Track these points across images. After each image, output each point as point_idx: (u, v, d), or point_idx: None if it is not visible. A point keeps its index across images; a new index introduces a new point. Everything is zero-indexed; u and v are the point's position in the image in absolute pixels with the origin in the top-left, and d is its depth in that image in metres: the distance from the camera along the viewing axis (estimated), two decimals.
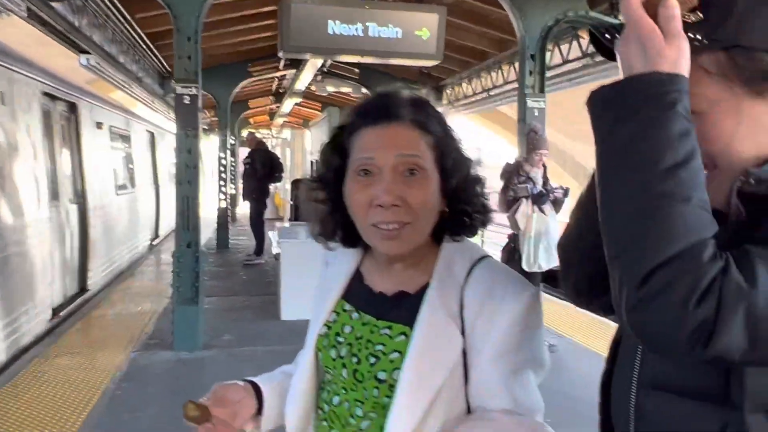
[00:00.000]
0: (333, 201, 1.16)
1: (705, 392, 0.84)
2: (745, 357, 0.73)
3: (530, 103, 6.28)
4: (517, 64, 7.07)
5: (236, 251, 11.62)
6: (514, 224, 5.75)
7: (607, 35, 0.89)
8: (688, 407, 0.86)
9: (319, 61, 10.17)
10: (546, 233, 5.61)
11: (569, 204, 5.49)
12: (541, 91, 6.33)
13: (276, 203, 17.43)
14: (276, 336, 5.94)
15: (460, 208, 1.14)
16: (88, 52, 7.20)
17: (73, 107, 7.94)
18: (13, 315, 5.73)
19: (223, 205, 12.50)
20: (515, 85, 7.18)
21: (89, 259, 8.12)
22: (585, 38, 7.28)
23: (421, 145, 1.10)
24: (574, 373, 5.16)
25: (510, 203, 5.73)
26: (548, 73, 6.53)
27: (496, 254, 6.55)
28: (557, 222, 5.71)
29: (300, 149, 22.42)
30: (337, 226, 1.18)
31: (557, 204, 5.76)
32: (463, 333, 1.08)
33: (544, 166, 5.87)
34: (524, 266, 5.69)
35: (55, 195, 7.05)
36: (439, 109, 1.18)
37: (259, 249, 10.55)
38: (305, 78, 11.82)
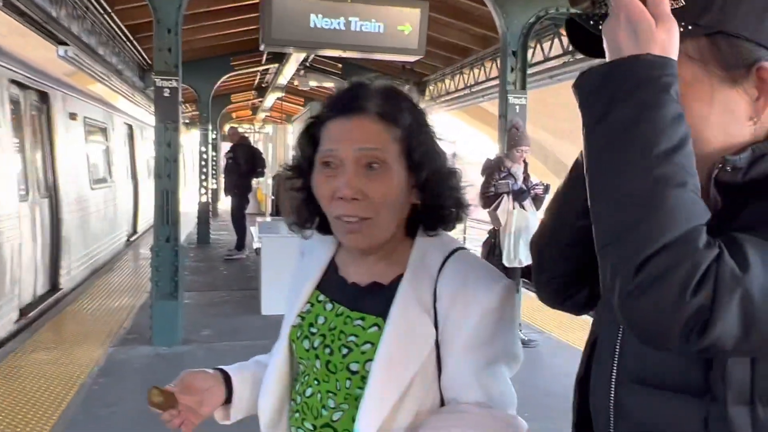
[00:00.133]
0: (307, 189, 1.16)
1: (685, 386, 0.84)
2: (738, 345, 0.73)
3: (512, 99, 6.30)
4: (499, 61, 7.09)
5: (217, 246, 11.55)
6: (494, 220, 5.78)
7: (591, 21, 0.88)
8: (669, 401, 0.85)
9: (301, 56, 10.13)
10: (526, 229, 5.64)
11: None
12: (523, 87, 6.36)
13: (258, 198, 17.33)
14: (256, 330, 5.91)
15: (431, 202, 1.13)
16: (66, 44, 7.09)
17: (44, 97, 7.57)
18: None
19: (204, 199, 12.42)
20: (497, 81, 7.20)
21: (61, 257, 7.78)
22: (566, 35, 7.31)
23: (383, 138, 1.08)
24: (553, 368, 5.21)
25: (491, 199, 5.75)
26: (530, 70, 6.56)
27: (477, 250, 6.58)
28: (537, 218, 5.74)
29: (282, 144, 22.32)
30: (312, 214, 1.18)
31: (538, 200, 5.79)
32: (436, 325, 1.07)
33: (525, 163, 5.90)
34: (504, 262, 5.73)
35: (23, 189, 6.75)
36: (419, 102, 1.18)
37: (240, 244, 10.50)
38: (288, 72, 11.77)
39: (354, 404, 1.08)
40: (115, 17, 8.31)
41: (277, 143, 22.90)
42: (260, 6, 6.25)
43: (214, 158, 14.07)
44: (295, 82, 12.96)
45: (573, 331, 6.07)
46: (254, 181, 11.79)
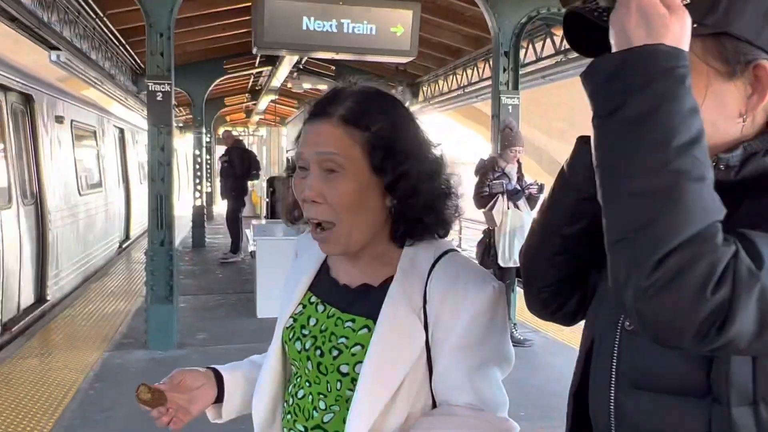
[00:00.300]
0: None
1: (687, 388, 0.83)
2: (751, 344, 0.72)
3: (504, 99, 6.32)
4: (491, 61, 7.11)
5: (212, 249, 11.54)
6: (490, 220, 5.79)
7: (595, 13, 0.86)
8: (670, 404, 0.84)
9: (294, 58, 10.12)
10: (521, 229, 5.65)
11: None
12: (515, 87, 6.37)
13: (253, 201, 17.33)
14: (251, 333, 5.91)
15: (401, 209, 1.11)
16: (58, 48, 7.08)
17: (27, 99, 7.15)
18: None
19: (199, 203, 12.41)
20: (490, 82, 7.21)
21: (48, 267, 7.35)
22: (558, 35, 7.34)
23: (343, 142, 1.07)
24: (548, 367, 5.22)
25: (485, 199, 5.77)
26: (522, 70, 6.58)
27: (472, 250, 6.59)
28: (532, 218, 5.75)
29: (276, 147, 22.32)
30: (301, 214, 1.19)
31: (532, 200, 5.80)
32: (426, 327, 1.07)
33: (519, 163, 5.92)
34: (500, 262, 5.74)
35: (5, 196, 6.37)
36: (410, 104, 1.18)
37: (235, 247, 10.51)
38: (281, 75, 11.77)
39: (345, 406, 1.08)
40: (107, 21, 8.31)
41: (271, 146, 22.89)
42: (252, 9, 6.26)
43: (209, 162, 14.06)
44: (289, 85, 12.96)
45: (568, 330, 6.08)
46: (249, 184, 11.79)
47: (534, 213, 5.76)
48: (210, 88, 12.72)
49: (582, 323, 1.08)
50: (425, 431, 1.03)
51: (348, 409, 1.06)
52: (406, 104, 1.24)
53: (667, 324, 0.72)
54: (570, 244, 1.03)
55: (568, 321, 1.11)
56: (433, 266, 1.10)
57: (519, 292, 6.49)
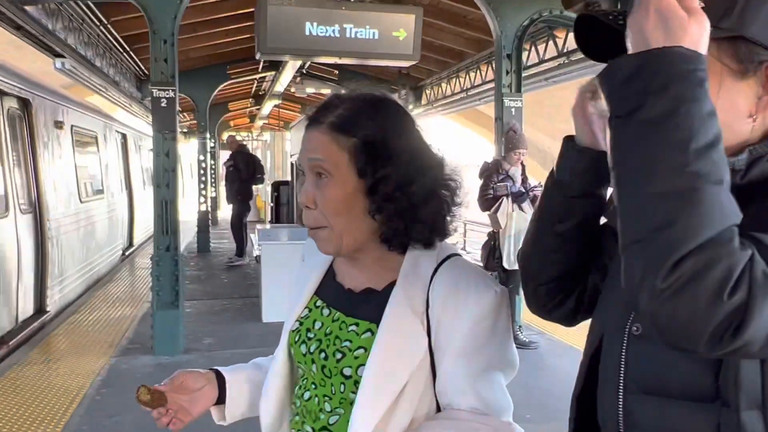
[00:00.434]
0: None
1: (695, 392, 0.83)
2: (764, 348, 0.72)
3: (507, 102, 6.32)
4: (494, 64, 7.11)
5: (217, 254, 11.57)
6: (495, 222, 5.80)
7: (610, 17, 0.87)
8: (679, 409, 0.84)
9: (297, 63, 10.16)
10: (525, 231, 5.65)
11: None
12: (518, 90, 6.37)
13: (257, 206, 17.37)
14: (257, 338, 5.92)
15: (385, 214, 1.11)
16: (62, 56, 7.12)
17: (25, 104, 6.89)
18: None
19: (204, 208, 12.44)
20: (493, 84, 7.22)
21: (47, 277, 7.08)
22: (561, 37, 7.34)
23: (330, 148, 1.10)
24: (554, 369, 5.21)
25: (490, 202, 5.77)
26: (525, 73, 6.58)
27: (477, 253, 6.58)
28: None
29: (280, 151, 22.37)
30: None
31: (536, 202, 5.80)
32: (428, 331, 1.08)
33: (523, 165, 5.92)
34: (504, 264, 5.74)
35: (1, 204, 6.15)
36: (412, 108, 1.19)
37: (240, 250, 10.55)
38: (284, 80, 11.81)
39: (349, 408, 1.09)
40: (111, 28, 8.36)
41: (275, 150, 22.93)
42: (255, 15, 6.29)
43: (213, 167, 14.10)
44: (292, 89, 13.00)
45: (573, 332, 6.06)
46: (254, 188, 11.83)
47: None
48: (214, 94, 12.77)
49: (587, 325, 1.09)
50: None
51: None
52: (409, 108, 1.25)
53: (681, 327, 0.72)
54: (562, 242, 1.05)
55: (567, 321, 1.12)
56: (435, 271, 1.11)
57: (524, 296, 6.48)
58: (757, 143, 0.86)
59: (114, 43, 9.10)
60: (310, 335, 1.19)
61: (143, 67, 10.95)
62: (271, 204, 14.13)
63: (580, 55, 6.37)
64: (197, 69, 11.43)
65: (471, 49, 9.61)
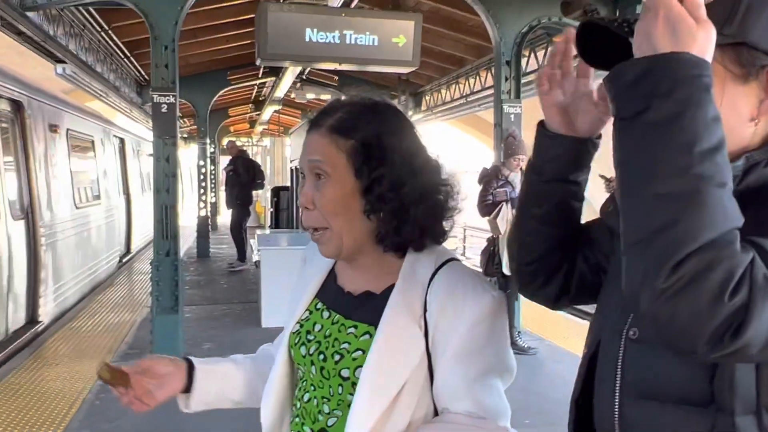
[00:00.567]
0: None
1: (690, 397, 0.84)
2: (762, 351, 0.72)
3: (506, 108, 6.35)
4: (493, 70, 7.14)
5: (217, 260, 11.57)
6: (494, 228, 5.81)
7: (616, 23, 0.88)
8: (675, 413, 0.85)
9: (297, 69, 10.19)
10: None
11: None
12: (517, 96, 6.40)
13: (257, 211, 17.38)
14: (256, 343, 5.78)
15: (381, 217, 1.13)
16: (63, 62, 7.15)
17: (17, 106, 6.65)
18: None
19: (204, 213, 12.45)
20: (493, 90, 7.25)
21: (40, 285, 6.85)
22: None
23: (329, 150, 1.13)
24: (553, 374, 5.22)
25: (489, 207, 5.79)
26: (524, 79, 6.61)
27: (477, 258, 6.59)
28: None
29: (280, 157, 22.40)
30: None
31: None
32: (426, 335, 1.09)
33: (522, 171, 5.94)
34: (504, 270, 5.74)
35: None
36: (412, 113, 1.21)
37: (242, 255, 10.55)
38: (284, 86, 11.84)
39: (347, 410, 1.10)
40: (112, 34, 8.39)
41: (275, 156, 22.96)
42: (256, 21, 6.31)
43: (213, 172, 14.11)
44: (292, 95, 13.04)
45: (572, 337, 6.09)
46: (254, 194, 11.84)
47: None
48: (214, 99, 12.80)
49: (586, 330, 1.10)
50: None
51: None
52: (409, 114, 1.28)
53: (682, 328, 0.72)
54: (539, 225, 1.09)
55: (550, 303, 1.16)
56: (433, 275, 1.12)
57: (523, 301, 6.50)
58: (755, 149, 0.87)
59: (115, 48, 9.13)
60: (310, 337, 1.20)
61: (144, 73, 10.98)
62: (271, 209, 14.14)
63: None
64: (198, 74, 11.46)
65: (470, 55, 9.64)
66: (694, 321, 0.71)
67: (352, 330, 1.15)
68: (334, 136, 1.13)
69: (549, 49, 7.61)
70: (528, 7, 6.26)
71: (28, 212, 6.75)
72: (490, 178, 5.84)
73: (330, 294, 1.24)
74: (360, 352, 1.11)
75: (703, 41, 0.77)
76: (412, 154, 1.15)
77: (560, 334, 6.36)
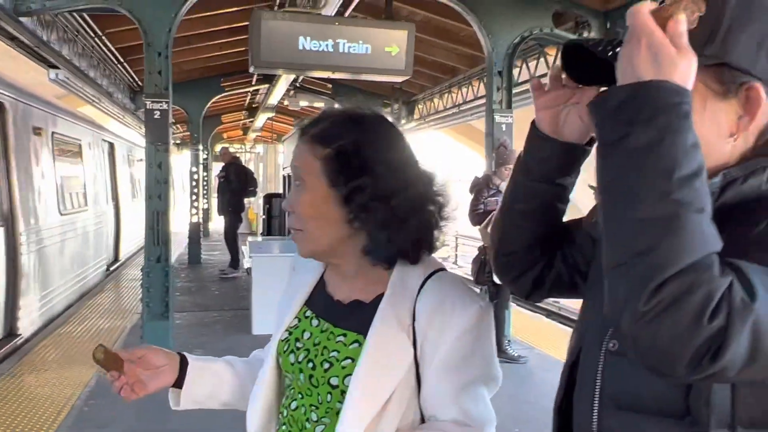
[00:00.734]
0: None
1: (666, 410, 0.85)
2: (740, 373, 0.73)
3: (498, 118, 6.39)
4: (485, 80, 7.19)
5: (208, 266, 11.54)
6: (485, 237, 5.82)
7: (599, 47, 0.90)
8: (651, 425, 0.86)
9: (291, 77, 10.21)
10: None
11: None
12: (509, 106, 6.45)
13: (249, 218, 17.36)
14: (247, 350, 5.77)
15: (365, 227, 1.15)
16: (57, 67, 7.15)
17: (0, 108, 6.41)
18: None
19: (196, 219, 12.43)
20: (485, 100, 7.30)
21: (20, 296, 6.49)
22: (551, 55, 7.44)
23: (307, 157, 1.16)
24: (542, 383, 5.23)
25: (481, 216, 5.81)
26: (516, 89, 6.66)
27: (468, 266, 6.61)
28: None
29: (273, 164, 22.40)
30: None
31: None
32: (414, 344, 1.11)
33: None
34: (495, 278, 5.77)
35: None
36: (403, 122, 1.24)
37: (235, 262, 10.54)
38: (278, 93, 11.87)
39: (335, 418, 1.11)
40: (105, 40, 8.40)
41: (268, 163, 22.96)
42: (249, 29, 6.33)
43: (205, 178, 14.08)
44: (285, 102, 13.06)
45: (562, 346, 6.09)
46: (246, 201, 11.83)
47: None
48: (207, 106, 12.81)
49: (570, 336, 1.12)
50: None
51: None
52: (402, 122, 1.31)
53: (662, 350, 0.73)
54: (521, 220, 1.11)
55: (522, 295, 1.19)
56: (422, 285, 1.14)
57: (514, 310, 6.52)
58: (732, 167, 0.89)
59: (108, 54, 9.14)
60: (299, 345, 1.21)
61: (137, 78, 10.98)
62: (263, 216, 14.12)
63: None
64: (191, 81, 11.48)
65: (463, 65, 9.71)
66: (674, 343, 0.72)
67: (341, 338, 1.17)
68: (313, 144, 1.16)
69: (540, 59, 7.68)
70: (520, 19, 6.32)
71: (7, 219, 6.45)
72: (481, 188, 5.88)
73: (319, 302, 1.25)
74: (349, 361, 1.13)
75: (684, 69, 0.79)
76: (399, 164, 1.17)
77: (550, 342, 6.38)
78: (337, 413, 1.11)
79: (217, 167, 12.55)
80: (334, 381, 1.13)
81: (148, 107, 5.62)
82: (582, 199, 1.18)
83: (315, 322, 1.23)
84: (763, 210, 0.84)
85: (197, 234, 12.27)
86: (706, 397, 0.82)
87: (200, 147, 13.28)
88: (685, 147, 0.76)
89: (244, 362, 1.41)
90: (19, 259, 6.52)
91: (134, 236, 12.72)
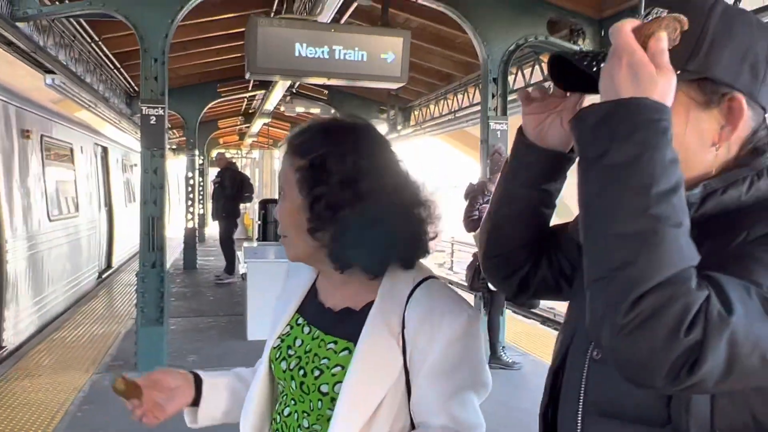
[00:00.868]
0: None
1: (648, 417, 0.87)
2: (717, 385, 0.75)
3: (493, 125, 6.42)
4: (480, 87, 7.23)
5: (204, 272, 11.53)
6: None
7: (584, 62, 0.92)
8: (634, 431, 0.88)
9: (287, 83, 10.23)
10: None
11: None
12: (504, 113, 6.48)
13: (245, 224, 17.34)
14: (242, 356, 5.91)
15: (321, 236, 1.17)
16: (53, 72, 7.15)
17: None
18: None
19: (191, 225, 12.41)
20: (480, 107, 7.33)
21: (6, 306, 6.29)
22: (546, 62, 7.48)
23: (285, 169, 1.21)
24: (536, 389, 5.22)
25: (475, 222, 5.83)
26: (511, 96, 6.69)
27: (463, 273, 6.62)
28: None
29: (269, 169, 22.40)
30: None
31: None
32: (404, 351, 1.13)
33: None
34: (490, 285, 5.78)
35: None
36: (403, 129, 1.26)
37: (231, 267, 10.52)
38: (274, 99, 11.88)
39: (326, 425, 1.13)
40: (102, 46, 8.41)
41: (264, 168, 22.96)
42: (245, 35, 6.35)
43: (201, 184, 14.05)
44: (282, 108, 13.08)
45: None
46: (241, 206, 11.82)
47: None
48: (203, 111, 12.81)
49: (555, 341, 1.14)
50: None
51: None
52: (398, 128, 1.32)
53: (640, 362, 0.75)
54: (506, 224, 1.14)
55: (511, 297, 1.21)
56: (411, 293, 1.16)
57: (508, 317, 6.53)
58: (712, 178, 0.91)
59: (105, 59, 9.14)
60: (291, 352, 1.23)
61: (133, 84, 10.99)
62: (259, 222, 14.09)
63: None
64: (187, 86, 11.48)
65: (459, 71, 9.75)
66: (652, 356, 0.74)
67: (331, 346, 1.18)
68: (293, 156, 1.20)
69: (536, 66, 7.72)
70: (515, 26, 6.36)
71: None
72: (476, 194, 5.90)
73: (311, 309, 1.27)
74: (339, 368, 1.14)
75: (663, 87, 0.81)
76: (369, 175, 1.15)
77: (545, 349, 6.39)
78: (328, 420, 1.12)
79: (213, 172, 12.51)
80: (324, 388, 1.14)
81: (144, 113, 5.62)
82: (574, 202, 1.20)
83: (306, 329, 1.24)
84: (742, 222, 0.85)
85: (193, 239, 12.25)
86: (686, 405, 0.84)
87: (196, 152, 13.26)
88: (663, 163, 0.78)
89: (252, 372, 1.43)
90: (3, 267, 6.32)
91: (127, 243, 12.54)
